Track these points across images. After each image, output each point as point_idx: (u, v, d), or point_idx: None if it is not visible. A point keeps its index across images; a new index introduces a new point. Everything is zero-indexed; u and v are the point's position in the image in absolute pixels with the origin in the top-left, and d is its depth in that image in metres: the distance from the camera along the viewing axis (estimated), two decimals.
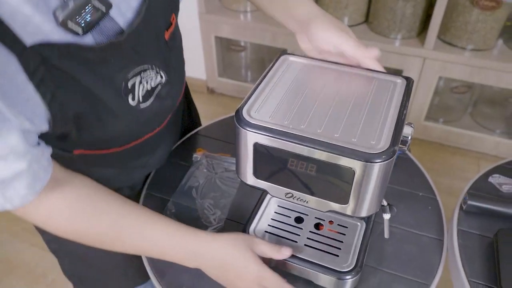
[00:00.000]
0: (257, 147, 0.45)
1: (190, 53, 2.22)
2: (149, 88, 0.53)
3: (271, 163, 0.46)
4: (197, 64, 2.17)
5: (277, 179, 0.47)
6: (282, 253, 0.54)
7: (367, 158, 0.41)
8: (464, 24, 1.55)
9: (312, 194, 0.46)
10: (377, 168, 0.41)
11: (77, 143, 0.52)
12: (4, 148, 0.41)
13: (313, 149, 0.42)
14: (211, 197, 0.72)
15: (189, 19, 2.00)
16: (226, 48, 2.18)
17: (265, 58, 2.22)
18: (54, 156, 0.50)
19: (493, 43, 1.59)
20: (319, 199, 0.46)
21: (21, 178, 0.44)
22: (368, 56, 0.52)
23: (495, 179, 0.71)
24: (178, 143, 0.83)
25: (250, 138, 0.45)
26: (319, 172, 0.44)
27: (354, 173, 0.42)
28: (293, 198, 0.48)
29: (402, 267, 0.60)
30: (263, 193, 0.66)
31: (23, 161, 0.43)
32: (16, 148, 0.42)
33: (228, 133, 0.86)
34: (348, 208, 0.45)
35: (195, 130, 0.88)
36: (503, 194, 0.69)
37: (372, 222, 0.62)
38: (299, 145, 0.42)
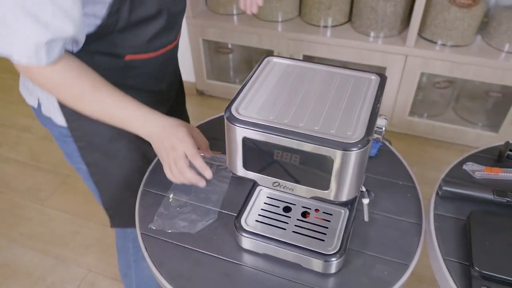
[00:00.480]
0: (245, 141, 0.49)
1: (179, 57, 2.26)
2: None
3: (258, 155, 0.50)
4: (186, 67, 2.21)
5: (264, 170, 0.52)
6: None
7: (345, 147, 0.45)
8: (443, 21, 1.61)
9: (297, 182, 0.51)
10: (353, 156, 0.46)
11: (126, 47, 0.70)
12: (70, 11, 0.54)
13: (296, 141, 0.47)
14: (204, 192, 0.76)
15: None
16: (214, 51, 2.22)
17: (252, 59, 2.27)
18: (106, 66, 0.69)
19: (471, 39, 1.66)
20: (303, 186, 0.51)
21: (64, 42, 0.57)
22: None
23: (468, 167, 0.76)
24: None
25: (239, 133, 0.49)
26: (302, 162, 0.48)
27: (333, 161, 0.46)
28: (280, 187, 0.52)
29: (383, 250, 0.65)
30: (253, 186, 0.70)
31: (72, 28, 0.56)
32: (74, 16, 0.55)
33: (218, 132, 0.90)
34: (330, 194, 0.50)
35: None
36: (476, 180, 0.74)
37: (354, 209, 0.67)
38: (283, 138, 0.47)
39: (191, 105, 2.24)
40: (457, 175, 0.76)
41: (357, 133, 0.47)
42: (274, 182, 0.52)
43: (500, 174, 0.74)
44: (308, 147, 0.47)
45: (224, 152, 0.83)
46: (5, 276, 1.40)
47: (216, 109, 2.41)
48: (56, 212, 1.64)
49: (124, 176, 0.85)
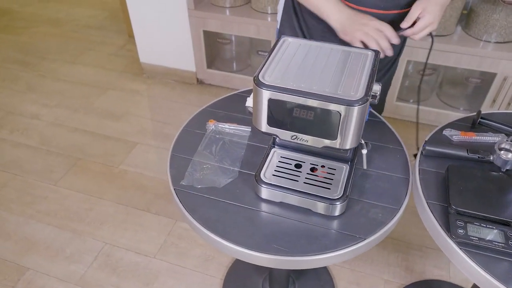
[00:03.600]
0: (270, 101, 0.62)
1: (180, 47, 2.38)
2: None
3: (280, 113, 0.63)
4: (186, 57, 2.32)
5: (284, 125, 0.65)
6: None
7: (349, 103, 0.58)
8: None
9: (310, 134, 0.64)
10: (356, 110, 0.59)
11: None
12: None
13: (311, 99, 0.60)
14: (224, 155, 0.88)
15: (178, 15, 2.14)
16: (214, 41, 2.33)
17: (250, 50, 2.39)
18: None
19: (453, 29, 1.81)
20: (316, 137, 0.64)
21: None
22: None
23: (447, 132, 0.90)
24: (192, 116, 1.00)
25: (265, 95, 0.62)
26: (316, 117, 0.61)
27: (340, 115, 0.60)
28: (297, 139, 0.65)
29: (378, 198, 0.79)
30: (268, 148, 0.83)
31: None
32: None
33: (230, 107, 1.03)
34: (337, 143, 0.63)
35: (205, 106, 1.04)
36: (453, 142, 0.89)
37: (354, 165, 0.80)
38: (302, 97, 0.60)
39: (192, 93, 2.37)
40: (438, 138, 0.90)
41: (359, 93, 0.60)
42: (293, 135, 0.65)
43: (473, 137, 0.88)
44: (321, 104, 0.59)
45: (239, 123, 0.96)
46: (26, 248, 1.51)
47: (216, 96, 2.51)
48: (69, 191, 1.74)
49: None
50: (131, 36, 2.77)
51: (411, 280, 1.41)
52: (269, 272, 1.30)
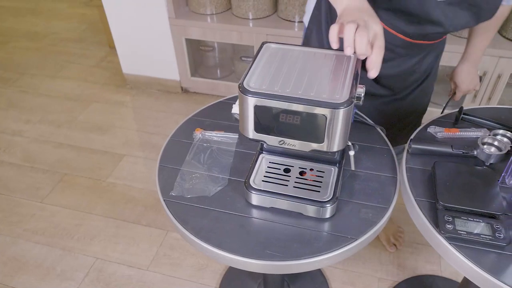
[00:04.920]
0: (256, 108, 0.62)
1: (163, 56, 2.37)
2: None
3: (267, 119, 0.63)
4: (170, 66, 2.31)
5: (272, 131, 0.65)
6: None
7: (334, 106, 0.59)
8: None
9: (298, 138, 0.64)
10: (341, 113, 0.60)
11: None
12: None
13: (297, 104, 0.60)
14: (212, 164, 0.88)
15: (159, 24, 2.14)
16: (196, 49, 2.33)
17: (233, 56, 2.39)
18: None
19: None
20: (303, 142, 0.64)
21: None
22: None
23: (432, 129, 0.92)
24: (179, 125, 0.99)
25: (251, 102, 0.62)
26: (302, 121, 0.62)
27: (326, 118, 0.60)
28: (285, 144, 0.66)
29: (367, 198, 0.80)
30: (256, 154, 0.83)
31: None
32: None
33: (216, 115, 1.03)
34: (324, 146, 0.64)
35: (191, 115, 1.03)
36: (438, 139, 0.91)
37: (342, 167, 0.81)
38: (287, 103, 0.60)
39: (177, 102, 2.36)
40: (423, 136, 0.92)
41: (343, 96, 0.61)
42: (280, 141, 0.66)
43: (457, 133, 0.90)
44: (306, 108, 0.60)
45: (226, 131, 0.96)
46: (16, 269, 1.47)
47: (201, 104, 2.50)
48: (57, 207, 1.71)
49: None
50: (112, 47, 2.75)
51: (404, 277, 1.43)
52: (263, 277, 1.30)
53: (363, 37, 0.59)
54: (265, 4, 2.03)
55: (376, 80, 1.05)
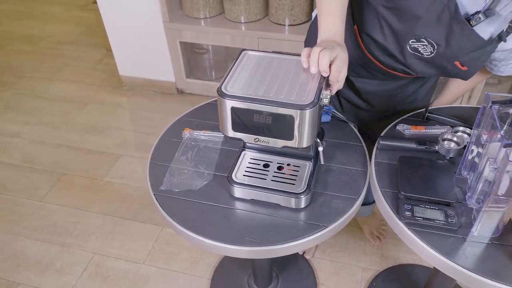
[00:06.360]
0: (233, 109, 0.70)
1: (159, 59, 2.45)
2: None
3: (243, 119, 0.71)
4: (165, 68, 2.38)
5: (248, 130, 0.73)
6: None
7: (301, 108, 0.67)
8: None
9: (271, 136, 0.72)
10: (307, 113, 0.67)
11: None
12: None
13: (269, 106, 0.68)
14: (199, 161, 0.96)
15: (154, 28, 2.21)
16: (191, 52, 2.40)
17: (227, 58, 2.47)
18: None
19: None
20: (275, 139, 0.72)
21: None
22: None
23: (400, 127, 1.00)
24: (169, 125, 1.07)
25: (228, 104, 0.70)
26: (273, 121, 0.69)
27: (295, 118, 0.68)
28: (260, 141, 0.73)
29: (339, 190, 0.88)
30: (239, 151, 0.91)
31: None
32: None
33: (204, 116, 1.11)
34: (295, 142, 0.72)
35: (180, 116, 1.11)
36: (405, 136, 0.99)
37: (316, 163, 0.89)
38: (260, 105, 0.68)
39: (173, 103, 2.44)
40: (392, 133, 1.00)
41: (309, 99, 0.69)
42: (255, 138, 0.73)
43: (423, 130, 0.98)
44: (277, 109, 0.68)
45: (213, 130, 1.03)
46: (16, 265, 1.54)
47: (196, 105, 2.58)
48: (55, 206, 1.78)
49: None
50: (108, 49, 2.82)
51: (387, 266, 1.51)
52: (252, 269, 1.38)
53: (325, 57, 0.69)
54: (256, 8, 2.11)
55: (357, 92, 1.11)
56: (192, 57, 2.43)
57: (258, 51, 0.81)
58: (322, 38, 0.77)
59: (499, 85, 2.14)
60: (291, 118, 0.68)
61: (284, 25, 2.08)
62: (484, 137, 0.74)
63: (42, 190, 1.86)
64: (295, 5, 2.00)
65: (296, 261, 1.52)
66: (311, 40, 1.11)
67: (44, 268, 1.53)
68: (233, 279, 1.46)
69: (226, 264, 1.52)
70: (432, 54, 0.84)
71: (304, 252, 1.54)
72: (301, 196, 0.81)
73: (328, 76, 0.73)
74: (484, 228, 0.71)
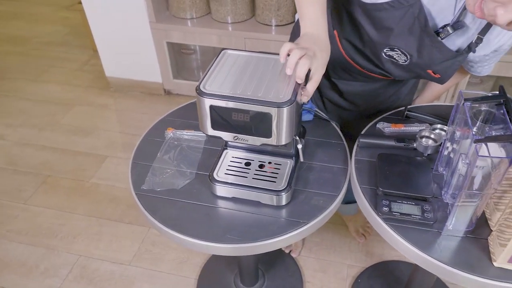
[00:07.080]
0: (212, 108, 0.71)
1: (145, 59, 2.43)
2: None
3: (222, 117, 0.72)
4: (152, 69, 2.38)
5: (226, 128, 0.73)
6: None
7: (278, 105, 0.68)
8: None
9: (249, 134, 0.73)
10: (285, 111, 0.68)
11: None
12: None
13: (246, 104, 0.69)
14: (181, 160, 0.96)
15: (141, 28, 2.20)
16: (178, 52, 2.40)
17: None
18: None
19: None
20: (254, 137, 0.73)
21: None
22: None
23: (380, 125, 1.02)
24: (152, 125, 1.07)
25: (207, 103, 0.70)
26: (252, 119, 0.70)
27: (272, 116, 0.69)
28: (239, 139, 0.74)
29: (320, 187, 0.89)
30: (221, 149, 0.92)
31: None
32: None
33: (187, 115, 1.11)
34: (273, 140, 0.72)
35: (163, 115, 1.11)
36: (385, 133, 1.00)
37: (298, 160, 0.90)
38: (238, 103, 0.69)
39: (160, 104, 2.43)
40: (372, 132, 1.01)
41: (286, 97, 0.70)
42: (234, 136, 0.74)
43: (402, 128, 1.00)
44: (255, 107, 0.69)
45: (196, 130, 1.04)
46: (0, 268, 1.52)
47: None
48: (40, 208, 1.76)
49: None
50: (95, 50, 2.79)
51: (372, 263, 1.53)
52: (239, 268, 1.38)
53: (305, 66, 0.68)
54: (243, 8, 2.12)
55: (340, 93, 1.13)
56: (179, 57, 2.43)
57: (238, 50, 0.82)
58: (306, 30, 0.76)
59: (481, 84, 2.18)
60: (269, 116, 0.69)
61: (271, 25, 2.09)
62: (458, 133, 0.76)
63: (26, 192, 1.84)
64: (281, 5, 2.02)
65: (282, 259, 1.53)
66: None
67: (29, 271, 1.51)
68: (220, 279, 1.47)
69: (213, 264, 1.52)
70: (407, 62, 0.86)
71: (290, 251, 1.55)
72: (282, 194, 0.82)
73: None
74: (458, 222, 0.73)
